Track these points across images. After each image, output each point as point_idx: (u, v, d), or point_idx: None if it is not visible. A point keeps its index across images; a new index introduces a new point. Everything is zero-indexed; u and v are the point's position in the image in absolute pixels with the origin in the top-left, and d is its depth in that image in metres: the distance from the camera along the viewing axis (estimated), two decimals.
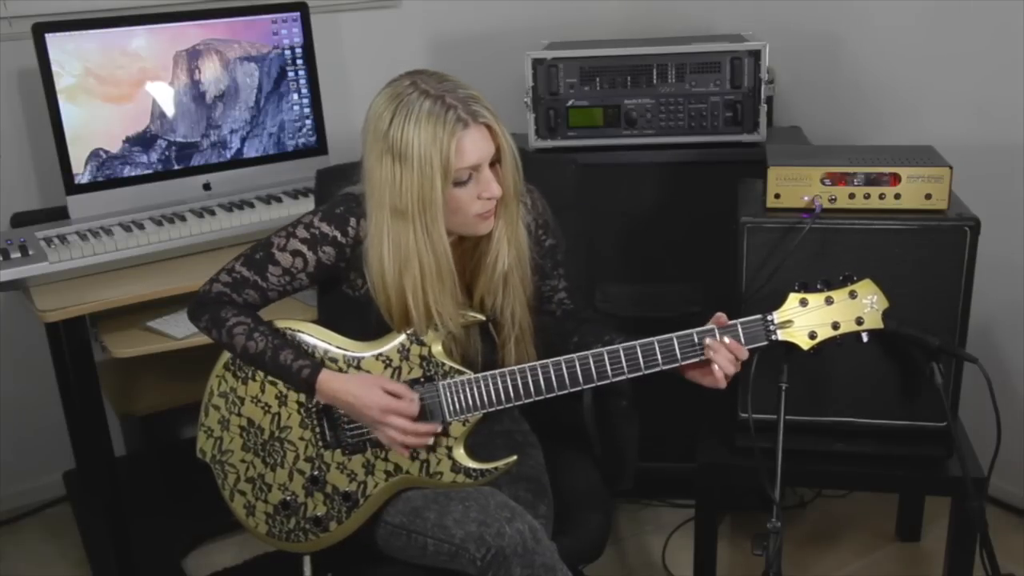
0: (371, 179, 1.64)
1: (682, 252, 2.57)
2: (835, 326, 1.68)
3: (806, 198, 1.97)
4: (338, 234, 1.71)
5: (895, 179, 1.94)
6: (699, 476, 2.17)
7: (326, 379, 1.68)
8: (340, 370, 1.72)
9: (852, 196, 1.96)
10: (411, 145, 1.57)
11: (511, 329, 1.76)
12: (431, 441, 1.69)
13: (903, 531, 2.63)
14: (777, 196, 1.99)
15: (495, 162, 1.65)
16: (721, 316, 1.69)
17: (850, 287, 1.68)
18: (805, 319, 1.68)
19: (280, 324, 1.75)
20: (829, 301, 1.68)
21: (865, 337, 1.70)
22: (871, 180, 1.95)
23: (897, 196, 1.94)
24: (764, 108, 2.47)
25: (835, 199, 1.96)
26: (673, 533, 2.65)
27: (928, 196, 1.93)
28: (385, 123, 1.60)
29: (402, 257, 1.64)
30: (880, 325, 1.68)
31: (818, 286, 1.70)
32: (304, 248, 1.71)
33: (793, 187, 1.98)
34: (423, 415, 1.70)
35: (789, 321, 1.67)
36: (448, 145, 1.57)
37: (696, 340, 1.66)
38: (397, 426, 1.66)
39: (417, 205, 1.60)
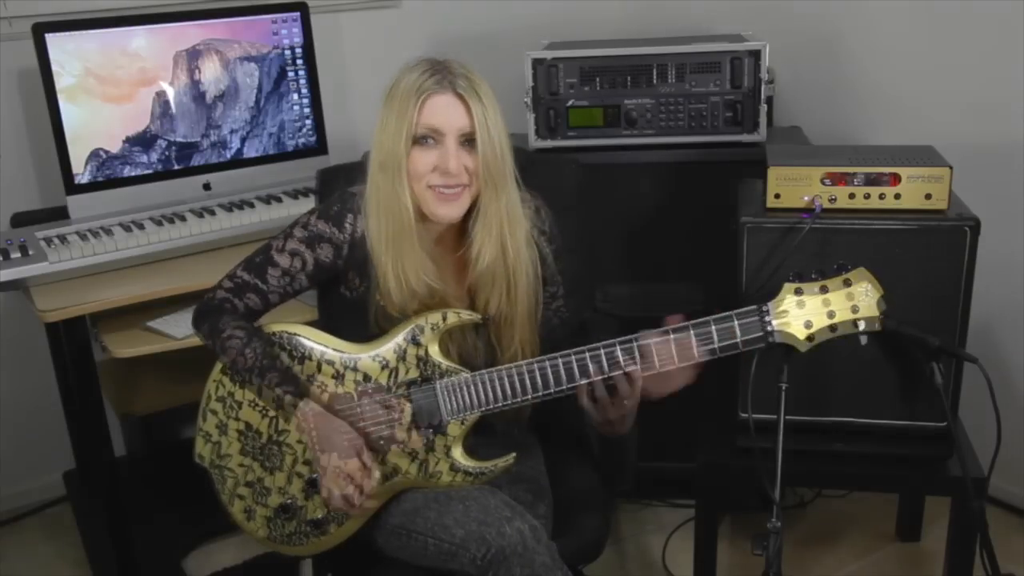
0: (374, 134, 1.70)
1: (682, 252, 2.57)
2: (830, 315, 1.67)
3: (806, 198, 1.97)
4: (335, 231, 1.71)
5: (895, 179, 1.94)
6: (699, 476, 2.17)
7: (306, 412, 1.66)
8: (337, 372, 1.72)
9: (852, 196, 1.96)
10: (394, 98, 1.64)
11: (511, 332, 1.76)
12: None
13: (903, 531, 2.63)
14: (777, 196, 1.99)
15: (469, 143, 1.65)
16: (674, 317, 1.69)
17: (844, 276, 1.68)
18: (800, 309, 1.67)
19: (278, 327, 1.75)
20: (824, 290, 1.67)
21: (864, 340, 1.70)
22: (871, 180, 1.95)
23: (897, 196, 1.94)
24: (764, 108, 2.47)
25: (835, 199, 1.96)
26: (673, 533, 2.65)
27: (928, 196, 1.93)
28: (391, 84, 1.67)
29: (381, 208, 1.67)
30: (876, 314, 1.67)
31: (812, 276, 1.69)
32: (302, 248, 1.71)
33: (793, 187, 1.98)
34: (418, 419, 1.70)
35: (784, 311, 1.67)
36: (416, 99, 1.62)
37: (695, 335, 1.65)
38: (345, 494, 1.63)
39: (389, 156, 1.64)
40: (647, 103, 2.51)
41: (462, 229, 1.74)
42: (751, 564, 2.42)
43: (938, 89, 2.63)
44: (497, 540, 1.60)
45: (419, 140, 1.64)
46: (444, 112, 1.63)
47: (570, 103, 2.53)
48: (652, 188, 2.54)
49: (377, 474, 1.67)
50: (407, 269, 1.68)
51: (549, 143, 2.56)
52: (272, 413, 1.74)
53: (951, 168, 1.92)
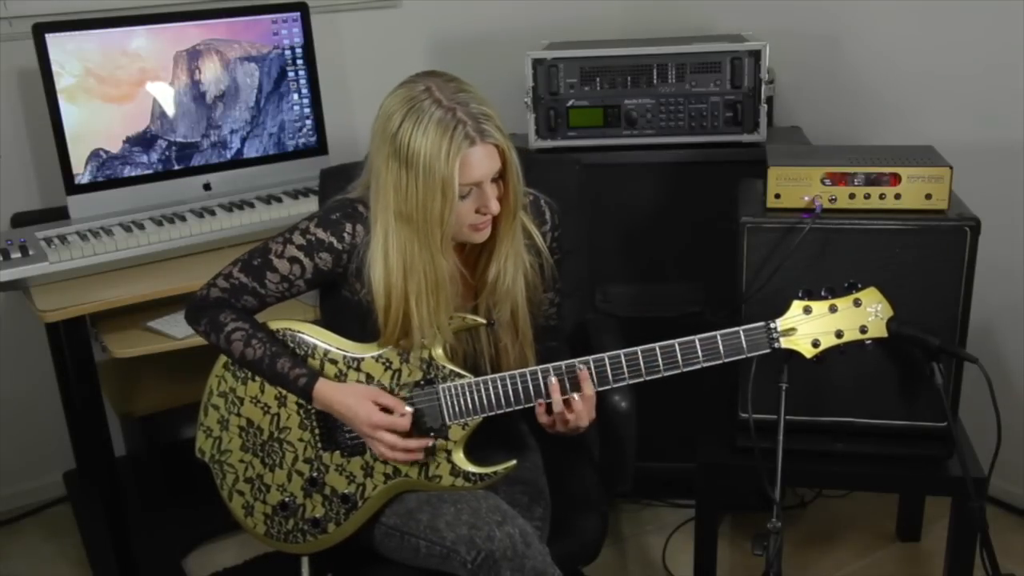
0: (378, 179, 1.64)
1: (682, 252, 2.57)
2: (839, 334, 1.67)
3: (806, 198, 1.97)
4: (334, 240, 1.70)
5: (895, 179, 1.94)
6: (699, 476, 2.17)
7: (322, 388, 1.68)
8: (340, 371, 1.72)
9: (852, 196, 1.96)
10: (418, 154, 1.57)
11: (513, 334, 1.76)
12: (421, 456, 1.69)
13: (903, 531, 2.63)
14: (777, 196, 1.99)
15: (498, 178, 1.65)
16: None
17: (854, 295, 1.68)
18: (808, 327, 1.67)
19: (280, 325, 1.75)
20: (833, 309, 1.67)
21: (868, 343, 1.69)
22: (871, 180, 1.95)
23: (897, 196, 1.94)
24: (764, 108, 2.47)
25: (835, 199, 1.96)
26: (673, 533, 2.65)
27: (928, 196, 1.93)
28: (395, 125, 1.59)
29: (407, 262, 1.64)
30: (884, 334, 1.68)
31: (822, 293, 1.69)
32: (301, 255, 1.70)
33: (793, 187, 1.98)
34: (420, 422, 1.70)
35: (792, 329, 1.67)
36: (453, 161, 1.56)
37: (700, 346, 1.65)
38: (386, 441, 1.66)
39: (420, 213, 1.60)
40: (647, 103, 2.51)
41: None
42: (751, 564, 2.43)
43: (938, 89, 2.63)
44: (487, 544, 1.61)
45: (460, 196, 1.61)
46: (482, 165, 1.60)
47: (570, 103, 2.53)
48: (652, 188, 2.54)
49: (408, 409, 1.67)
50: (442, 321, 1.68)
51: (549, 143, 2.56)
52: (274, 410, 1.75)
53: (951, 168, 1.92)
